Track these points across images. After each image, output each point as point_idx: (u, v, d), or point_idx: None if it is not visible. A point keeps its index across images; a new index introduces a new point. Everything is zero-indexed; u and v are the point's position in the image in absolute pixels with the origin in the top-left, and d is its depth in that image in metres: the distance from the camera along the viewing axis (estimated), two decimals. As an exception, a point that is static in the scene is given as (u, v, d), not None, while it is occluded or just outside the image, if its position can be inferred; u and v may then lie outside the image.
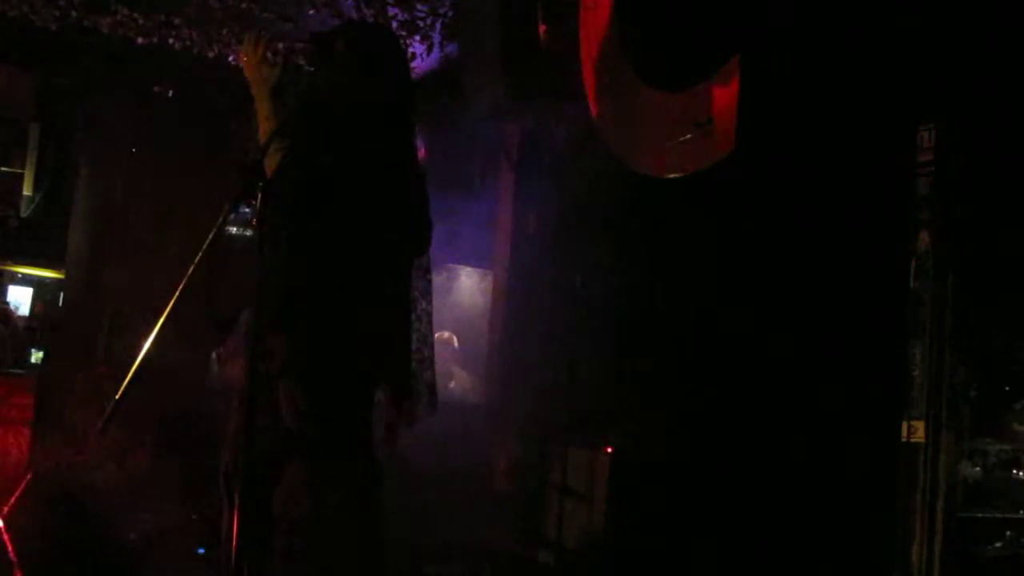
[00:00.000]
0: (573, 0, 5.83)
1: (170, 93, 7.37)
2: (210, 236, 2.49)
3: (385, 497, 2.85)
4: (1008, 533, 4.21)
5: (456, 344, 7.38)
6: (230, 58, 6.82)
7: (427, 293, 5.63)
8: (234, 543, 2.26)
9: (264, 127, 2.68)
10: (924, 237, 3.90)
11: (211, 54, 6.77)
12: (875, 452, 3.98)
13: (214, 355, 5.20)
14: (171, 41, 6.56)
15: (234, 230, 6.16)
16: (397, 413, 2.87)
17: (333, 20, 5.95)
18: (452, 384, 7.08)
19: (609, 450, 5.05)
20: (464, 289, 7.67)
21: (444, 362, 7.15)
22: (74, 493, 4.70)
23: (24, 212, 10.34)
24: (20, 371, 5.66)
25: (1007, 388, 5.01)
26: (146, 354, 2.31)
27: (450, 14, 6.04)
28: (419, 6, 5.96)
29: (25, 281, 11.85)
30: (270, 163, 2.56)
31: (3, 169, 10.80)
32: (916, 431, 3.82)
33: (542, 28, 5.95)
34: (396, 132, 2.83)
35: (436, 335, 7.32)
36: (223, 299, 2.79)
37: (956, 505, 3.82)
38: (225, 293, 2.80)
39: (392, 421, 2.87)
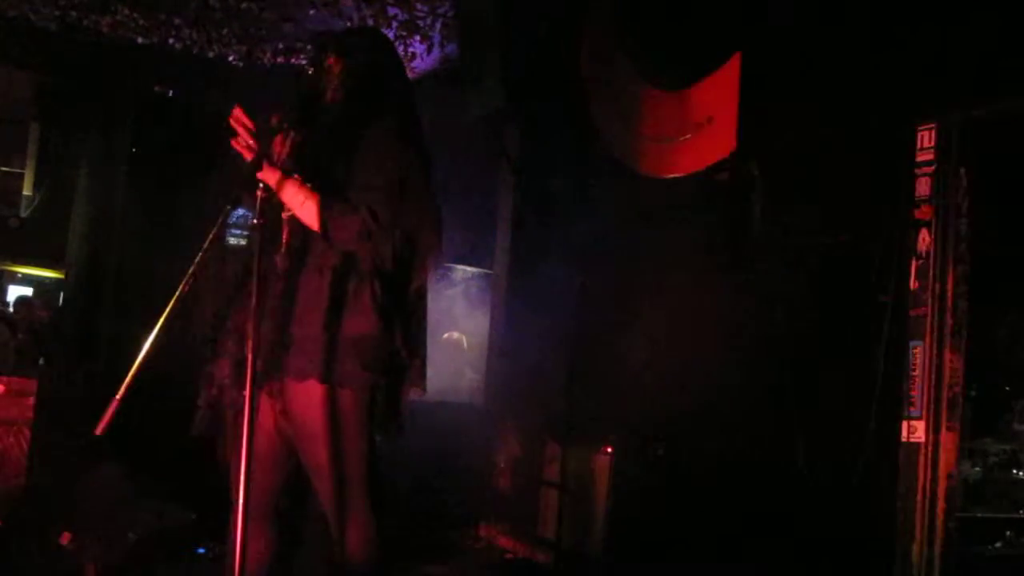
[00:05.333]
0: (574, 0, 5.84)
1: (170, 93, 7.37)
2: (210, 236, 2.48)
3: (386, 496, 2.89)
4: (1008, 533, 4.22)
5: (465, 345, 7.40)
6: (230, 58, 6.82)
7: None
8: (237, 543, 2.26)
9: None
10: (924, 237, 3.90)
11: (211, 54, 6.77)
12: (875, 452, 3.98)
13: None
14: (171, 41, 6.56)
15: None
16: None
17: (333, 20, 5.95)
18: (462, 384, 7.08)
19: (609, 450, 5.04)
20: (464, 289, 7.66)
21: (455, 363, 7.17)
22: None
23: (24, 212, 10.35)
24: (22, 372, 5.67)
25: (1007, 388, 5.02)
26: (146, 354, 2.31)
27: (450, 14, 6.04)
28: (419, 6, 5.96)
29: (25, 281, 11.85)
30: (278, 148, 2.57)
31: (3, 169, 10.81)
32: (916, 431, 3.82)
33: (542, 28, 5.95)
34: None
35: (446, 336, 7.35)
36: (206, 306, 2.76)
37: (956, 505, 3.82)
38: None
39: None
